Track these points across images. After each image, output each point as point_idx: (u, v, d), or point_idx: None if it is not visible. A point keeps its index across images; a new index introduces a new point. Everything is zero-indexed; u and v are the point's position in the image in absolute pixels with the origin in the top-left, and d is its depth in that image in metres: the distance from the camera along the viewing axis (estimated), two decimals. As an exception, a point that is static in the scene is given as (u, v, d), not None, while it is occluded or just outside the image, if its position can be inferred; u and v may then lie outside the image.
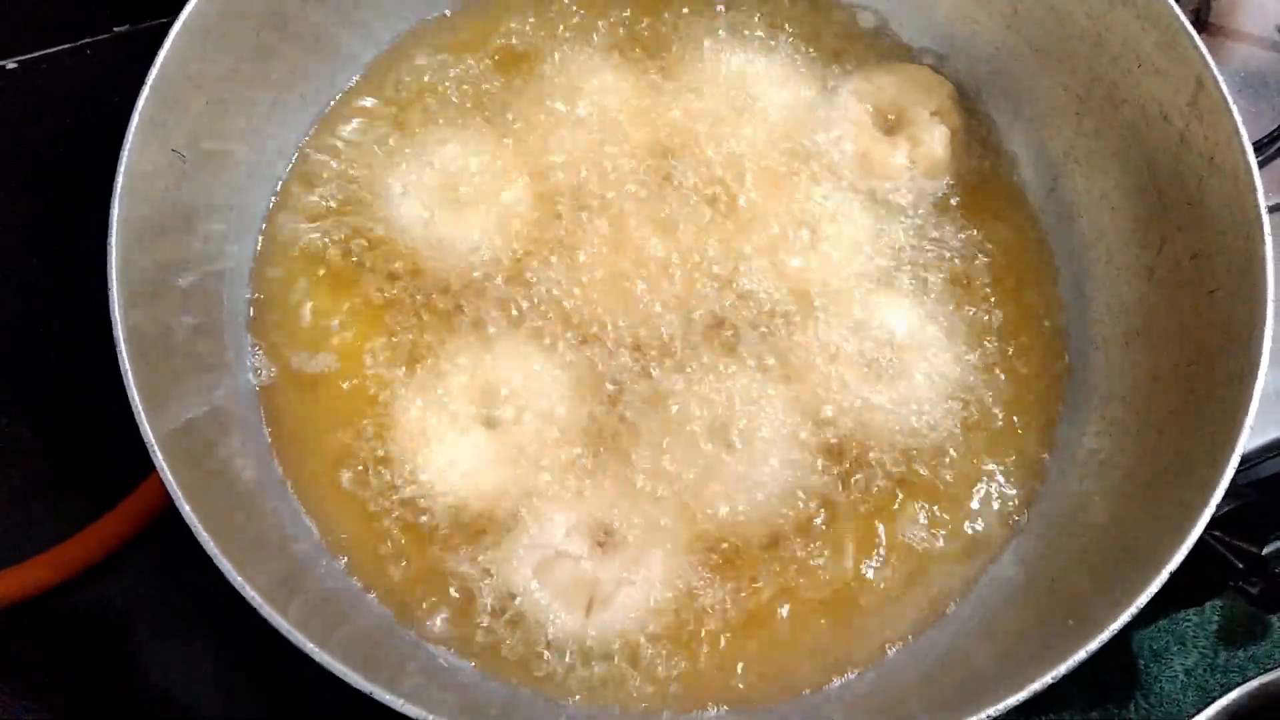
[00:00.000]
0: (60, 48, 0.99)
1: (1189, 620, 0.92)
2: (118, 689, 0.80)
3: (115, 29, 0.99)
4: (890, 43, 0.93)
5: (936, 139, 0.86)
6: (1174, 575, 0.63)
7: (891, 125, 0.88)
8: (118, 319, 0.66)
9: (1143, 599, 0.61)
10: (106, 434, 0.84)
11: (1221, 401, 0.70)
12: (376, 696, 0.58)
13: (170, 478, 0.62)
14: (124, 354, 0.65)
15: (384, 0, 0.88)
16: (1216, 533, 0.80)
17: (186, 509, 0.61)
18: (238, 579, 0.60)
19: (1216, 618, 0.92)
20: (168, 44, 0.72)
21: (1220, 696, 0.74)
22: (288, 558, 0.71)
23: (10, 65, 0.97)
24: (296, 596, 0.66)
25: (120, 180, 0.68)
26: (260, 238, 0.83)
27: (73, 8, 0.98)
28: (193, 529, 0.61)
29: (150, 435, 0.63)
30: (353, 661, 0.60)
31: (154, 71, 0.71)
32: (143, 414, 0.64)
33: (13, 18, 0.97)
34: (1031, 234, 0.88)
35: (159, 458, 0.63)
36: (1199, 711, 0.73)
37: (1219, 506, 0.65)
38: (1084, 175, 0.86)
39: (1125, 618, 0.61)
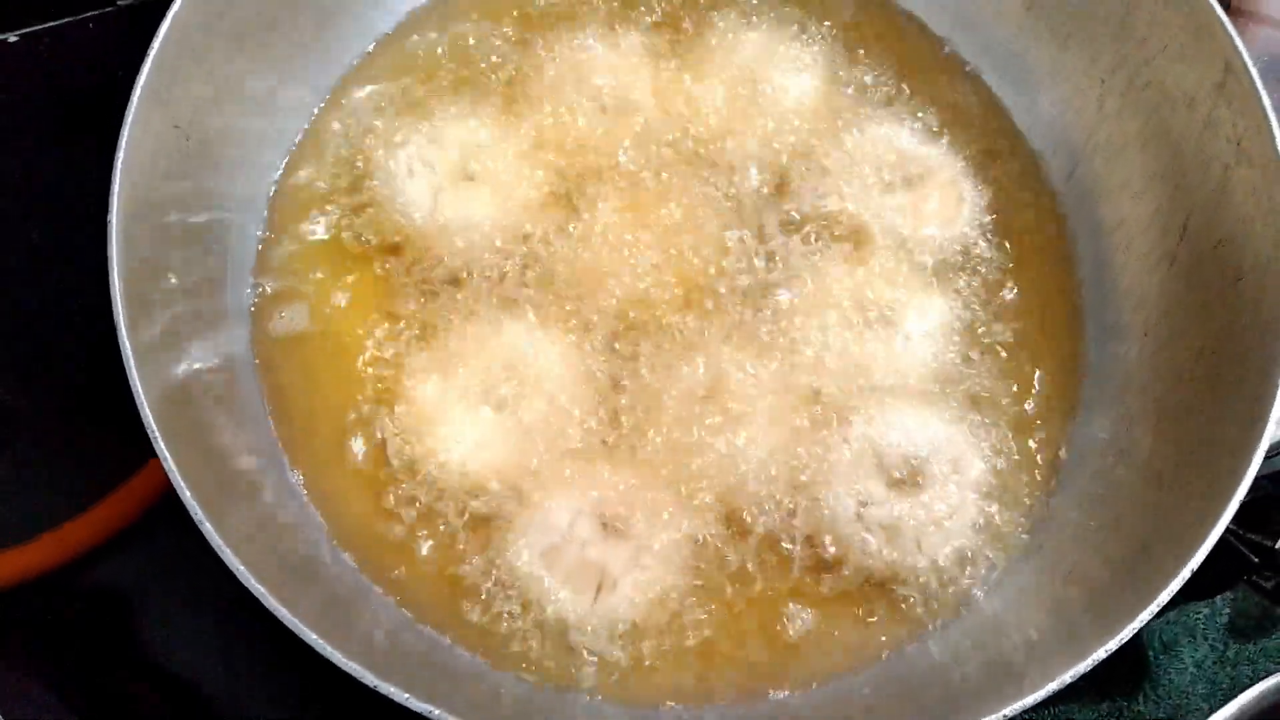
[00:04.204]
0: (63, 21, 0.98)
1: (1199, 613, 0.91)
2: (121, 670, 0.80)
3: (119, 2, 0.98)
4: (907, 21, 0.92)
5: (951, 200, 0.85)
6: (1185, 567, 0.62)
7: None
8: (118, 299, 0.65)
9: (1164, 596, 0.60)
10: (111, 413, 0.83)
11: (1245, 391, 0.69)
12: (397, 697, 0.58)
13: (172, 464, 0.62)
14: (126, 341, 0.64)
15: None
16: (1230, 525, 0.79)
17: (187, 494, 0.61)
18: (249, 578, 0.60)
19: (1227, 611, 0.91)
20: (170, 16, 0.71)
21: (1230, 690, 0.72)
22: (291, 547, 0.71)
23: (12, 39, 0.97)
24: (301, 585, 0.66)
25: (120, 156, 0.67)
26: (264, 214, 0.82)
27: (76, -20, 0.97)
28: (199, 522, 0.61)
29: (150, 416, 0.63)
30: (353, 652, 0.59)
31: (156, 44, 0.70)
32: (143, 398, 0.64)
33: (15, -10, 0.96)
34: (1050, 219, 0.87)
35: (157, 438, 0.63)
36: (1208, 704, 0.72)
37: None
38: (1104, 160, 0.85)
39: (1145, 616, 0.60)
